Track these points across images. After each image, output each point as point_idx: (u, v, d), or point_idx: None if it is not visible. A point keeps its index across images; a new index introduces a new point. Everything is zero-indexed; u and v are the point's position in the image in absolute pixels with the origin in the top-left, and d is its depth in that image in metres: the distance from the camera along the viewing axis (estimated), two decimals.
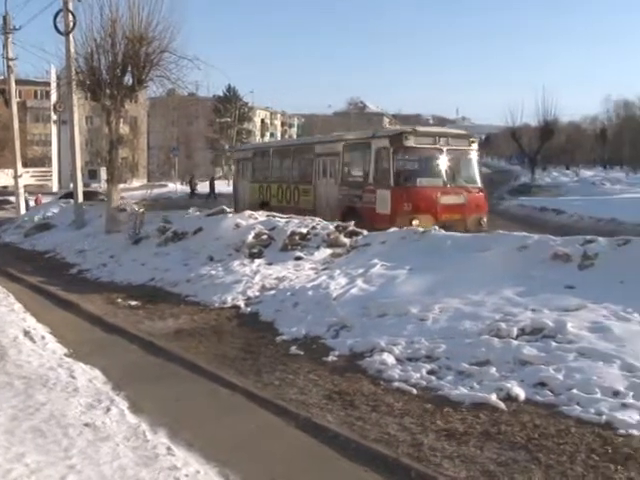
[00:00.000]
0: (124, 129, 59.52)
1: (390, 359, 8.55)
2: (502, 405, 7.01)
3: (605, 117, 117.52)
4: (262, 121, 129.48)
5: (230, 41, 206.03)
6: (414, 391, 7.67)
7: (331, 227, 16.02)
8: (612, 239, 10.97)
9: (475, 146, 21.16)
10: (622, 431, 6.21)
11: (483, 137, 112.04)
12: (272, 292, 12.64)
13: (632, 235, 11.60)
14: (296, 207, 22.39)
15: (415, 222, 17.20)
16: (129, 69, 21.75)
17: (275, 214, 18.25)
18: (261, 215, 17.89)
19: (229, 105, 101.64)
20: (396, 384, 7.91)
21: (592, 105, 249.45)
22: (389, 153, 19.39)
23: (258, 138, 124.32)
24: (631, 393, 6.78)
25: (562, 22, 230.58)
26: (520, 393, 7.21)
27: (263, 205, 24.22)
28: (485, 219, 20.05)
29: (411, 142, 19.28)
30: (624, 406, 6.60)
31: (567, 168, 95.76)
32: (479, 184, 20.79)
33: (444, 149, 19.79)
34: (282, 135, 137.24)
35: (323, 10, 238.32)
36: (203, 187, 64.29)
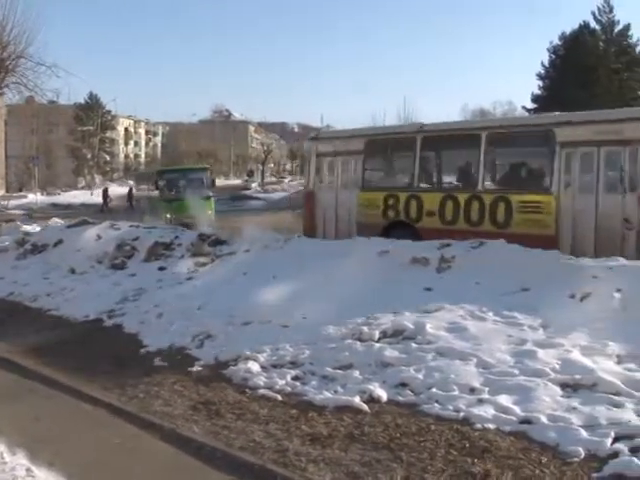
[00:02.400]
0: None
1: (255, 367, 8.59)
2: (365, 407, 7.16)
3: None
4: (126, 130, 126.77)
5: (92, 48, 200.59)
6: (279, 397, 7.74)
7: (195, 236, 15.92)
8: (467, 242, 11.40)
9: None
10: (479, 426, 6.47)
11: None
12: (136, 304, 12.44)
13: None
14: (501, 232, 13.19)
15: None
16: None
17: (139, 224, 17.98)
18: (124, 225, 17.59)
19: (91, 113, 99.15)
20: (261, 391, 7.95)
21: (451, 113, 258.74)
22: None
23: (122, 147, 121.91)
24: (486, 389, 7.10)
25: (420, 29, 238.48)
26: (382, 394, 7.38)
27: (395, 227, 15.61)
28: None
29: None
30: (480, 402, 6.90)
31: None
32: None
33: None
34: (146, 144, 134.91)
35: (181, 14, 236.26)
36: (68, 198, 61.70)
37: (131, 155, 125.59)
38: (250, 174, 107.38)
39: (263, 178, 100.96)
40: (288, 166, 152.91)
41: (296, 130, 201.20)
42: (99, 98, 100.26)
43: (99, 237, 16.53)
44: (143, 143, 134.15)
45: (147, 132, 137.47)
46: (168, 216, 29.72)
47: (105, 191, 57.09)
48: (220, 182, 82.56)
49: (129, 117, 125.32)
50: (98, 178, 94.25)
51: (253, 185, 79.75)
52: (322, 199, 17.66)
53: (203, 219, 28.30)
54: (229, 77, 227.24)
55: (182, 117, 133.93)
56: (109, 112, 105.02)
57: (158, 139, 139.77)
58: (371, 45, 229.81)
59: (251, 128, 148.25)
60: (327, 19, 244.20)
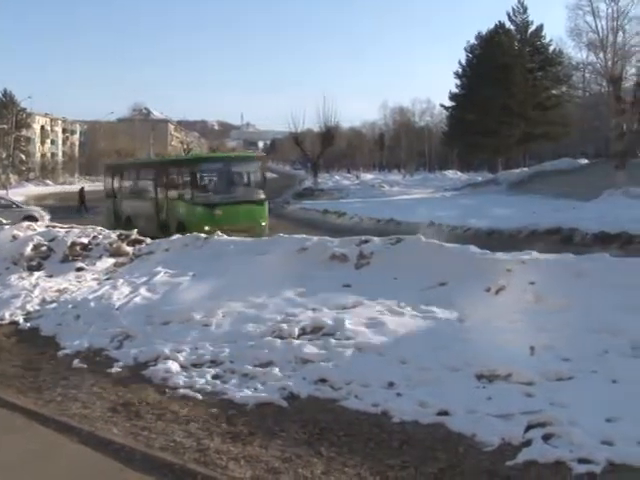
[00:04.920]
0: None
1: (175, 366, 8.52)
2: (285, 404, 7.20)
3: (383, 123, 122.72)
4: (42, 128, 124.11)
5: (5, 44, 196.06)
6: (199, 396, 7.69)
7: (113, 236, 15.75)
8: (385, 238, 11.57)
9: None
10: (397, 419, 6.57)
11: (268, 142, 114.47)
12: (53, 305, 12.19)
13: (408, 234, 12.25)
14: None
15: None
16: None
17: (56, 224, 17.65)
18: (40, 225, 17.27)
19: (5, 111, 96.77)
20: (181, 391, 7.89)
21: (371, 111, 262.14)
22: None
23: (38, 146, 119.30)
24: (404, 383, 7.22)
25: (338, 27, 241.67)
26: (302, 390, 7.41)
27: None
28: None
29: None
30: (398, 395, 7.01)
31: (348, 171, 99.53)
32: None
33: None
34: (64, 143, 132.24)
35: (97, 11, 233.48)
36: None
37: (48, 154, 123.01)
38: None
39: None
40: None
41: (216, 128, 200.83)
42: (13, 95, 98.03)
43: (14, 238, 16.17)
44: (60, 142, 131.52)
45: (64, 130, 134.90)
46: (207, 228, 19.16)
47: (82, 191, 49.76)
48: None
49: (45, 115, 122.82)
50: (14, 178, 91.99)
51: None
52: None
53: (257, 232, 20.94)
54: (148, 75, 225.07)
55: (100, 115, 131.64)
56: (24, 110, 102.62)
57: (76, 137, 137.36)
58: (289, 43, 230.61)
59: (171, 126, 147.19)
60: (242, 17, 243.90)
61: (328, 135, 64.82)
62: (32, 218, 33.18)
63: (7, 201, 36.73)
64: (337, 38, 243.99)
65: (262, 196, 24.31)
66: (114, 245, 15.31)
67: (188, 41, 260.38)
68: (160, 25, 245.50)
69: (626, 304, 8.34)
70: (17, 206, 35.84)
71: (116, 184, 30.19)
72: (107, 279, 13.35)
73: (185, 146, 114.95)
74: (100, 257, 14.90)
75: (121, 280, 12.76)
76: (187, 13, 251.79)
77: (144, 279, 12.40)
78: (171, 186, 24.95)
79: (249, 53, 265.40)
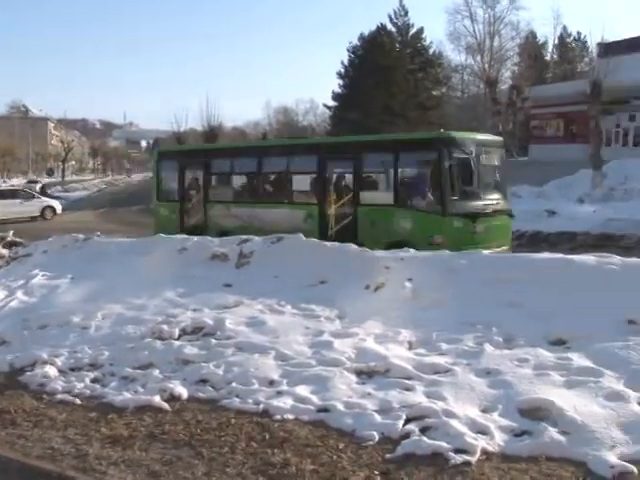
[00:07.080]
0: None
1: (52, 371, 8.30)
2: (166, 405, 7.13)
3: (267, 122, 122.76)
4: None
5: None
6: (78, 401, 7.53)
7: None
8: (266, 237, 11.66)
9: None
10: (278, 417, 6.62)
11: (151, 142, 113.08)
12: None
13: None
14: None
15: None
16: None
17: None
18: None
19: None
20: (59, 396, 7.69)
21: (255, 110, 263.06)
22: None
23: None
24: (285, 380, 7.29)
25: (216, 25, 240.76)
26: (183, 392, 7.37)
27: None
28: None
29: None
30: (279, 393, 7.05)
31: None
32: None
33: None
34: None
35: None
36: None
37: None
38: (50, 172, 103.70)
39: (64, 177, 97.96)
40: (90, 164, 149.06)
41: (98, 127, 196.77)
42: None
43: None
44: None
45: None
46: None
47: (44, 188, 51.32)
48: (18, 181, 78.74)
49: None
50: None
51: (38, 186, 68.54)
52: None
53: None
54: (26, 71, 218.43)
55: None
56: None
57: None
58: (173, 41, 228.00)
59: (51, 125, 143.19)
60: (124, 13, 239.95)
61: (211, 134, 64.17)
62: (52, 208, 37.76)
63: (29, 192, 40.26)
64: (221, 38, 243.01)
65: (510, 204, 16.63)
66: None
67: (67, 37, 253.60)
68: (39, 18, 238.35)
69: (499, 298, 8.68)
70: (38, 197, 39.45)
71: (189, 181, 20.41)
72: None
73: (65, 145, 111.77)
74: None
75: None
76: (66, 6, 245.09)
77: (21, 282, 12.06)
78: (372, 185, 16.79)
79: (132, 50, 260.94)
